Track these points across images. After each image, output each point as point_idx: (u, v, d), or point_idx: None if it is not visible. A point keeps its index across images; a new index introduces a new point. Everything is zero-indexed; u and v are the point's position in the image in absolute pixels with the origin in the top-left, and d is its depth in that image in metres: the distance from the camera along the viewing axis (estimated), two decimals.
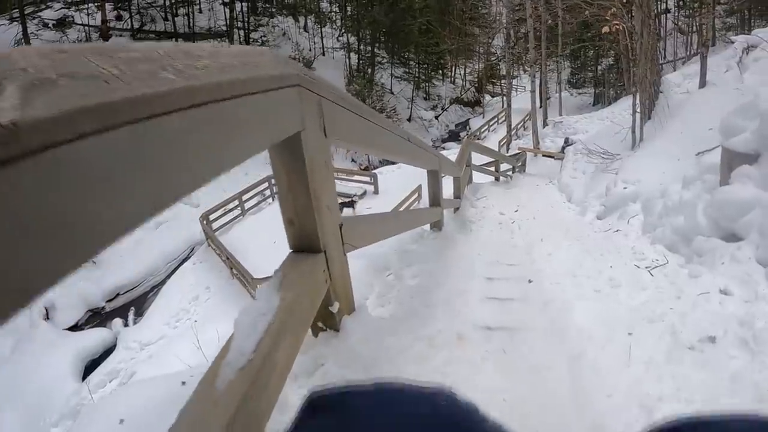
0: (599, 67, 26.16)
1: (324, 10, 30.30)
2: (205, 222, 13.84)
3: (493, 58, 33.22)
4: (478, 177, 9.23)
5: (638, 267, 3.19)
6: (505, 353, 2.10)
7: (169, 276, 13.53)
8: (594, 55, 25.96)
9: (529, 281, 3.16)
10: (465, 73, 35.38)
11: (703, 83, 8.93)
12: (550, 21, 18.66)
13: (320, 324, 1.61)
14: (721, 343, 2.02)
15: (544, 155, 14.11)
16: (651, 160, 6.25)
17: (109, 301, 12.67)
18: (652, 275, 3.00)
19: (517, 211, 6.07)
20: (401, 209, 12.02)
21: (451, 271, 3.29)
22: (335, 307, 1.59)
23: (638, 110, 7.79)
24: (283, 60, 1.17)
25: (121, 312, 12.31)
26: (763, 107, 3.40)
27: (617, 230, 4.83)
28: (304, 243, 1.38)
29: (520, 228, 5.24)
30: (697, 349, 2.01)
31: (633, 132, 7.59)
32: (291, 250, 1.39)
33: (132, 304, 12.70)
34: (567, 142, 13.78)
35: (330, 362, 1.55)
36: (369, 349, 1.69)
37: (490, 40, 32.52)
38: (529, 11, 17.48)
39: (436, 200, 4.34)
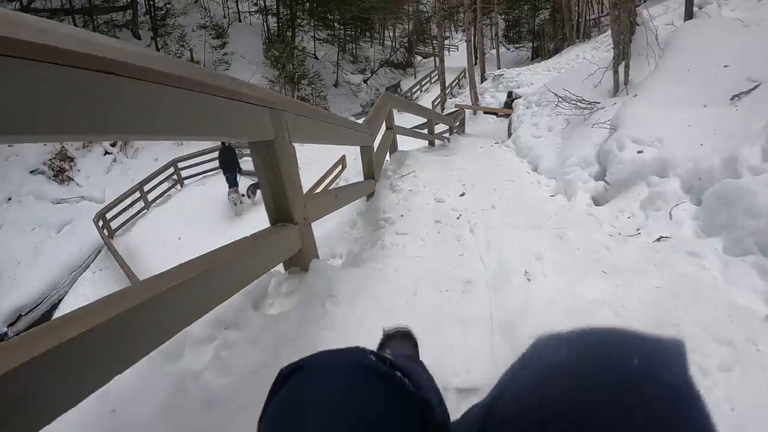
0: (536, 20, 23.89)
1: None
2: (101, 222, 11.53)
3: (422, 17, 30.32)
4: (405, 143, 6.68)
5: None
6: None
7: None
8: (530, 8, 23.66)
9: None
10: (394, 35, 32.27)
11: (689, 14, 6.75)
12: None
13: None
14: None
15: (486, 112, 11.70)
16: (661, 109, 3.89)
17: (11, 324, 10.41)
18: None
19: (463, 194, 3.55)
20: (317, 191, 9.36)
21: None
22: None
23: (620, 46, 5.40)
24: None
25: None
26: None
27: (660, 238, 2.41)
28: None
29: (473, 232, 2.73)
30: None
31: (615, 72, 5.21)
32: None
33: (34, 327, 9.80)
34: (510, 97, 11.46)
35: None
36: None
37: None
38: None
39: (283, 212, 1.72)
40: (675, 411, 0.36)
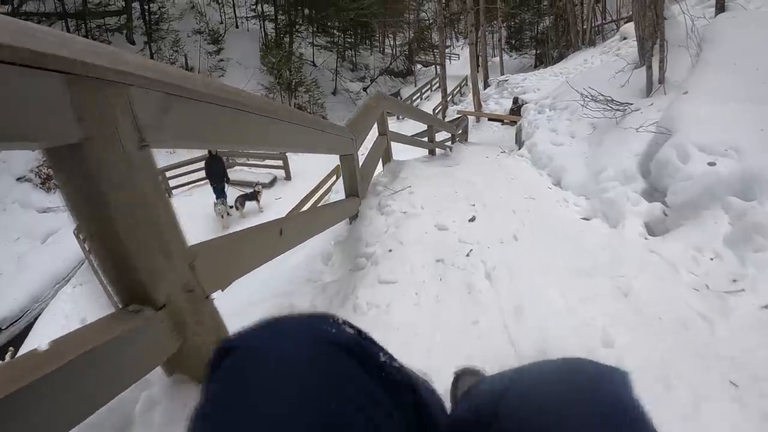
0: (539, 27, 23.05)
1: None
2: (81, 235, 10.15)
3: (424, 23, 29.53)
4: (403, 152, 5.85)
5: None
6: None
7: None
8: (533, 14, 22.84)
9: None
10: (395, 43, 31.39)
11: (721, 7, 5.99)
12: None
13: None
14: None
15: (491, 119, 10.85)
16: (722, 108, 3.04)
17: None
18: None
19: (473, 219, 2.67)
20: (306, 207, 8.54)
21: None
22: None
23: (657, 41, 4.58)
24: None
25: (3, 352, 8.99)
26: None
27: None
28: None
29: (491, 279, 1.87)
30: None
31: (649, 69, 4.36)
32: None
33: (12, 342, 9.27)
34: (516, 103, 10.63)
35: None
36: None
37: (420, 5, 28.94)
38: None
39: (132, 286, 0.84)
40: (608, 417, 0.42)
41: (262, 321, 0.43)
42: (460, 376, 1.13)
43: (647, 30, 4.45)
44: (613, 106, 3.94)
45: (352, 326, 0.45)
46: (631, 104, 4.09)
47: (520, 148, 6.30)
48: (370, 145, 4.02)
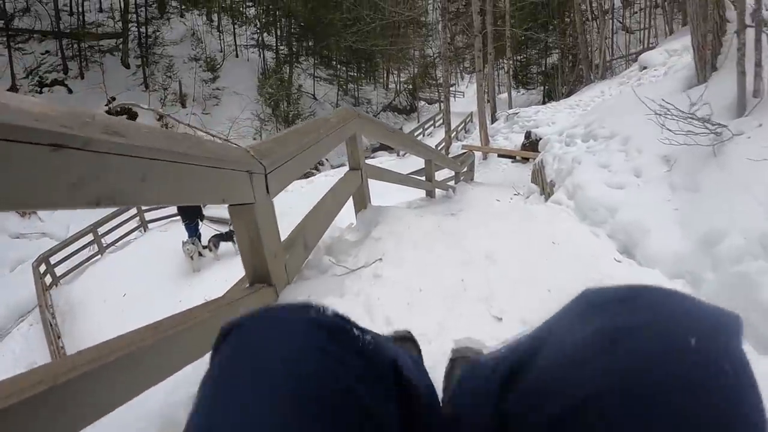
0: (549, 60, 22.08)
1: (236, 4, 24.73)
2: (43, 268, 9.50)
3: (429, 58, 28.86)
4: (392, 193, 4.49)
5: None
6: None
7: None
8: (542, 47, 21.93)
9: None
10: (398, 79, 30.74)
11: None
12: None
13: None
14: None
15: (501, 155, 9.48)
16: None
17: None
18: None
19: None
20: None
21: None
22: None
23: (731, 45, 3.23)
24: None
25: None
26: None
27: None
28: None
29: None
30: None
31: (741, 74, 2.96)
32: None
33: None
34: (529, 138, 9.31)
35: None
36: None
37: (425, 42, 28.34)
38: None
39: None
40: (731, 402, 0.32)
41: (257, 310, 0.45)
42: (457, 359, 0.91)
43: (740, 21, 3.07)
44: (711, 128, 2.50)
45: (328, 310, 0.46)
46: (725, 126, 2.66)
47: (543, 191, 4.87)
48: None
